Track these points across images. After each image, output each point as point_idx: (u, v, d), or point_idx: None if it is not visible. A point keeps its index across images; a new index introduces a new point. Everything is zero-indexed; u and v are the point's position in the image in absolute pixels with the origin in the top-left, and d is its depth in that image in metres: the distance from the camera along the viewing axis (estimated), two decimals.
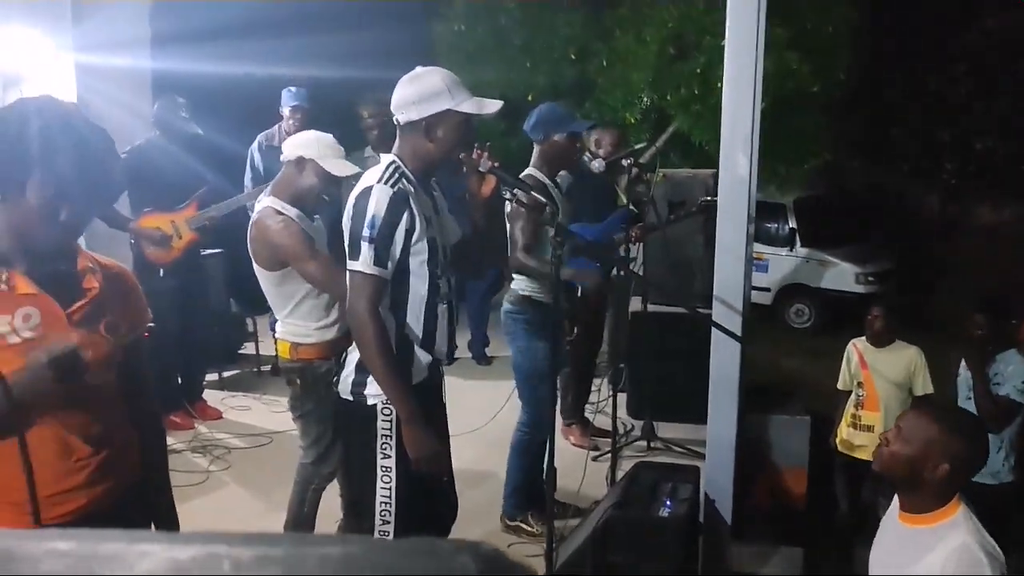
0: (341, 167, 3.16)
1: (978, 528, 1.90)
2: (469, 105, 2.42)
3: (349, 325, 2.47)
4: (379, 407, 2.47)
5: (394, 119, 2.49)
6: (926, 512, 1.96)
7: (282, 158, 3.20)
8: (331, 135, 3.25)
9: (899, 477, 2.02)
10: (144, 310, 1.91)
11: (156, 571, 0.36)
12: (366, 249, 2.36)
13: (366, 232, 2.36)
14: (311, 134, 3.24)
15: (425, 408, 2.50)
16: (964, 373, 3.64)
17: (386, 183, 2.39)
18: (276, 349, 3.27)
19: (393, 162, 2.46)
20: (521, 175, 3.74)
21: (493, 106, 2.46)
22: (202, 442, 4.78)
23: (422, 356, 2.53)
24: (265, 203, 3.13)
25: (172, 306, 4.79)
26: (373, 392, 2.48)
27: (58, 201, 1.59)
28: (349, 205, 2.45)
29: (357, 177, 2.62)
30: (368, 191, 2.39)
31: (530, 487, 3.86)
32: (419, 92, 2.43)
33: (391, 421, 2.47)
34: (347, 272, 2.43)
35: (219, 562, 0.36)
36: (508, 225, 3.67)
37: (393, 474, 2.48)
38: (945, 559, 1.86)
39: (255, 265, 3.13)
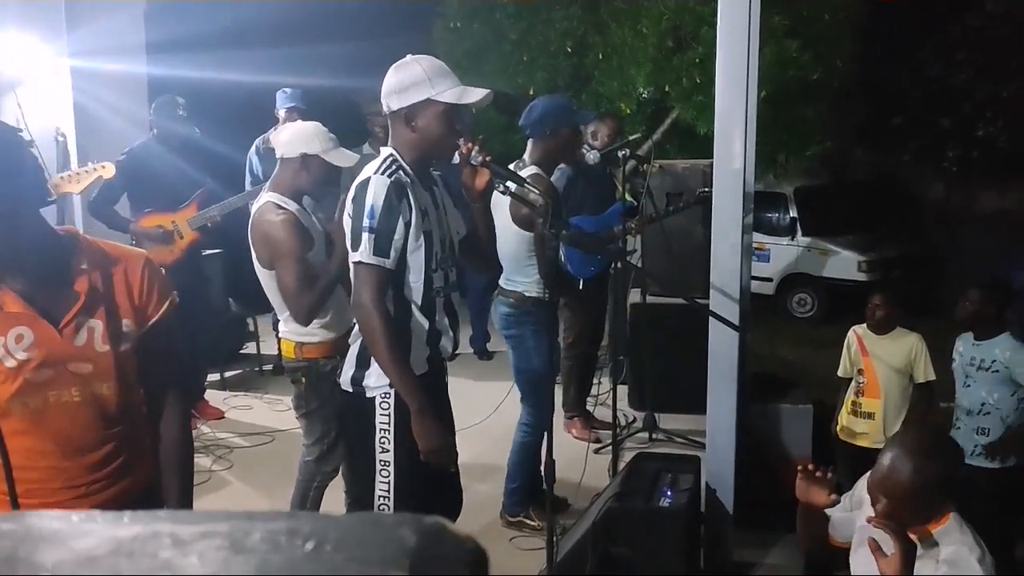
0: (344, 158, 3.15)
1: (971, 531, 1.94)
2: (450, 95, 2.40)
3: (355, 317, 2.47)
4: (377, 400, 2.47)
5: (384, 109, 2.49)
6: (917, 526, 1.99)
7: (280, 154, 3.15)
8: (322, 125, 3.21)
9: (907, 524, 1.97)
10: (161, 292, 1.79)
11: (96, 549, 0.36)
12: (366, 239, 2.36)
13: (366, 222, 2.36)
14: (307, 128, 3.18)
15: (430, 401, 2.49)
16: (959, 359, 3.63)
17: (383, 173, 2.40)
18: (279, 348, 3.26)
19: (391, 155, 2.46)
20: (525, 173, 3.69)
21: (477, 95, 2.43)
22: (204, 442, 4.79)
23: (421, 350, 2.53)
24: (265, 199, 3.09)
25: None
26: (372, 384, 2.48)
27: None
28: (348, 198, 2.45)
29: (358, 168, 2.62)
30: (367, 182, 2.40)
31: (531, 485, 3.86)
32: (400, 81, 2.42)
33: (389, 415, 2.46)
34: (351, 265, 2.42)
35: (160, 539, 0.36)
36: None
37: (392, 468, 2.48)
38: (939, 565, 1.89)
39: (256, 263, 3.11)
